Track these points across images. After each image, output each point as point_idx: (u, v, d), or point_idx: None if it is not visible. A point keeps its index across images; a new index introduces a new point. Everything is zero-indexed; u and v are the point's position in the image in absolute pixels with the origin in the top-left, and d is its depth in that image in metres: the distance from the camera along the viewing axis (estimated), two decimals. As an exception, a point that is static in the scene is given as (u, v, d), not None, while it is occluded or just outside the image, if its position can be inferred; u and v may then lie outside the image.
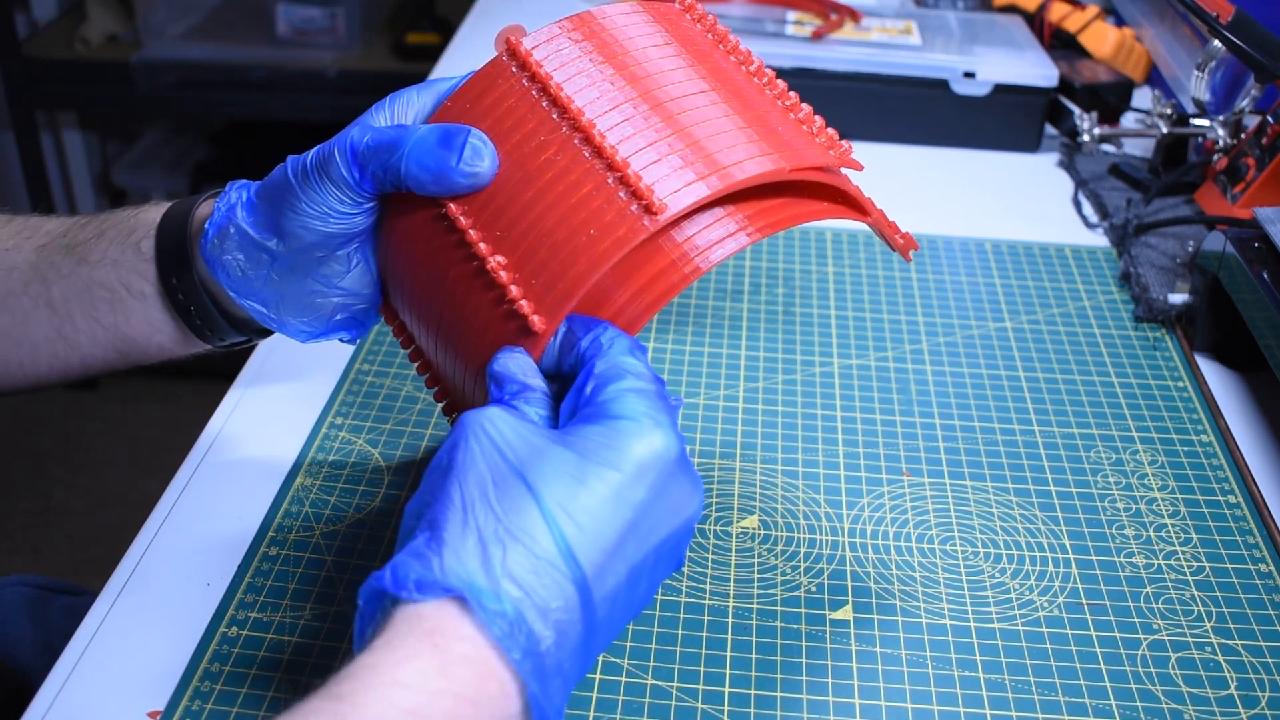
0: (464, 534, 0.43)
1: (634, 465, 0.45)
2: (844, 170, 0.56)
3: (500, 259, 0.50)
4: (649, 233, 0.48)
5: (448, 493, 0.44)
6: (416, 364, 0.59)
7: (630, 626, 0.59)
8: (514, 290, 0.50)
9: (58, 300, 0.61)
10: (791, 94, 0.56)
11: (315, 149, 0.54)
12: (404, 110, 0.56)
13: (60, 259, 0.62)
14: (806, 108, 0.56)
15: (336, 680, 0.41)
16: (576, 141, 0.51)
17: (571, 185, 0.50)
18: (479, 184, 0.51)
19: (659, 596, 0.61)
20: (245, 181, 0.58)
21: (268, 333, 0.63)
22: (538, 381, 0.49)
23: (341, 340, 0.61)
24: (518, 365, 0.49)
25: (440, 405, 0.59)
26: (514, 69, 0.54)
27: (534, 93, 0.53)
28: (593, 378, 0.48)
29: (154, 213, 0.61)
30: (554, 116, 0.52)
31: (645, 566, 0.46)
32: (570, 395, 0.48)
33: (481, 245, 0.51)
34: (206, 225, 0.57)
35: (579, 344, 0.50)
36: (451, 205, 0.52)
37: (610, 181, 0.49)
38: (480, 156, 0.51)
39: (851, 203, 0.55)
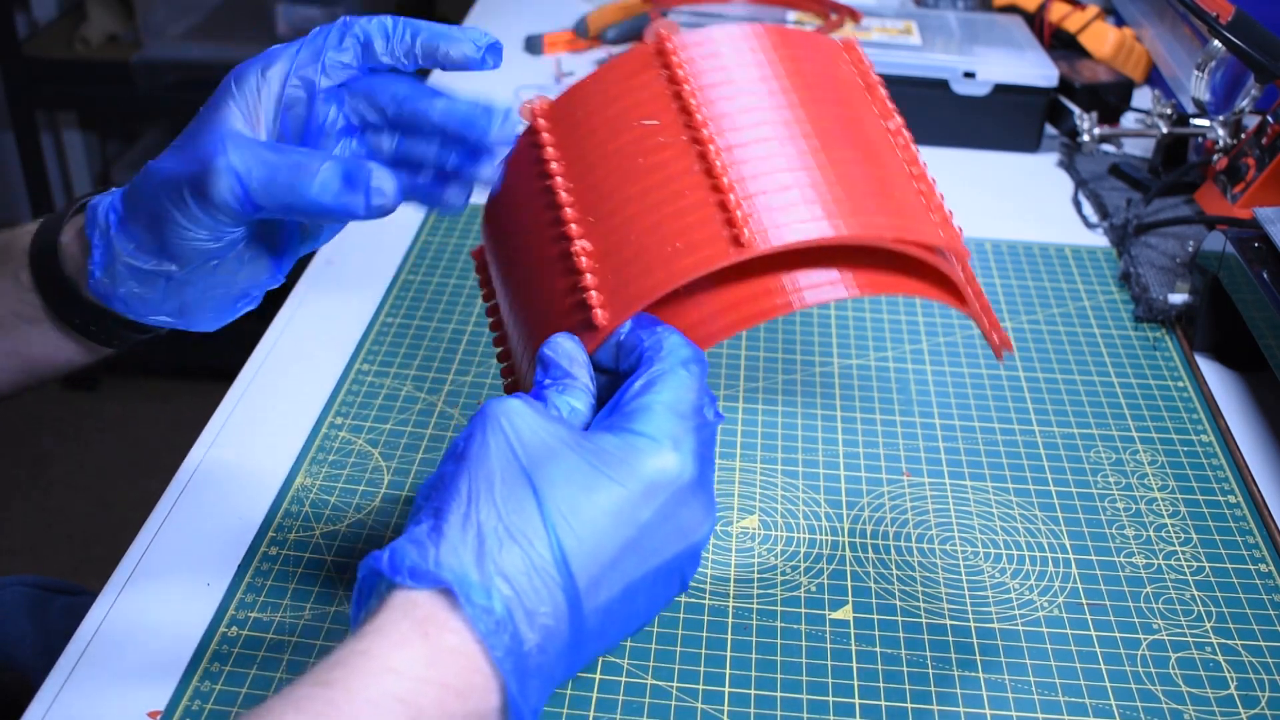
0: (464, 528, 0.43)
1: (643, 484, 0.45)
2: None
3: (587, 245, 0.50)
4: (731, 260, 0.47)
5: (455, 483, 0.44)
6: (491, 321, 0.59)
7: (630, 626, 0.60)
8: (589, 279, 0.49)
9: None
10: (922, 162, 0.55)
11: (183, 169, 0.51)
12: (269, 87, 0.53)
13: None
14: (931, 179, 0.55)
15: (327, 665, 0.42)
16: (694, 153, 0.50)
17: (674, 194, 0.49)
18: (385, 212, 0.51)
19: (659, 596, 0.61)
20: (106, 201, 0.55)
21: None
22: (581, 373, 0.49)
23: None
24: (565, 353, 0.49)
25: (501, 370, 0.58)
26: (658, 65, 0.53)
27: (669, 93, 0.52)
28: (637, 382, 0.47)
29: (24, 238, 0.59)
30: (681, 122, 0.51)
31: (644, 585, 0.46)
32: (615, 396, 0.48)
33: (573, 226, 0.51)
34: (90, 266, 0.55)
35: (640, 344, 0.49)
36: (559, 179, 0.52)
37: (713, 201, 0.49)
38: (384, 193, 0.50)
39: (953, 290, 0.53)
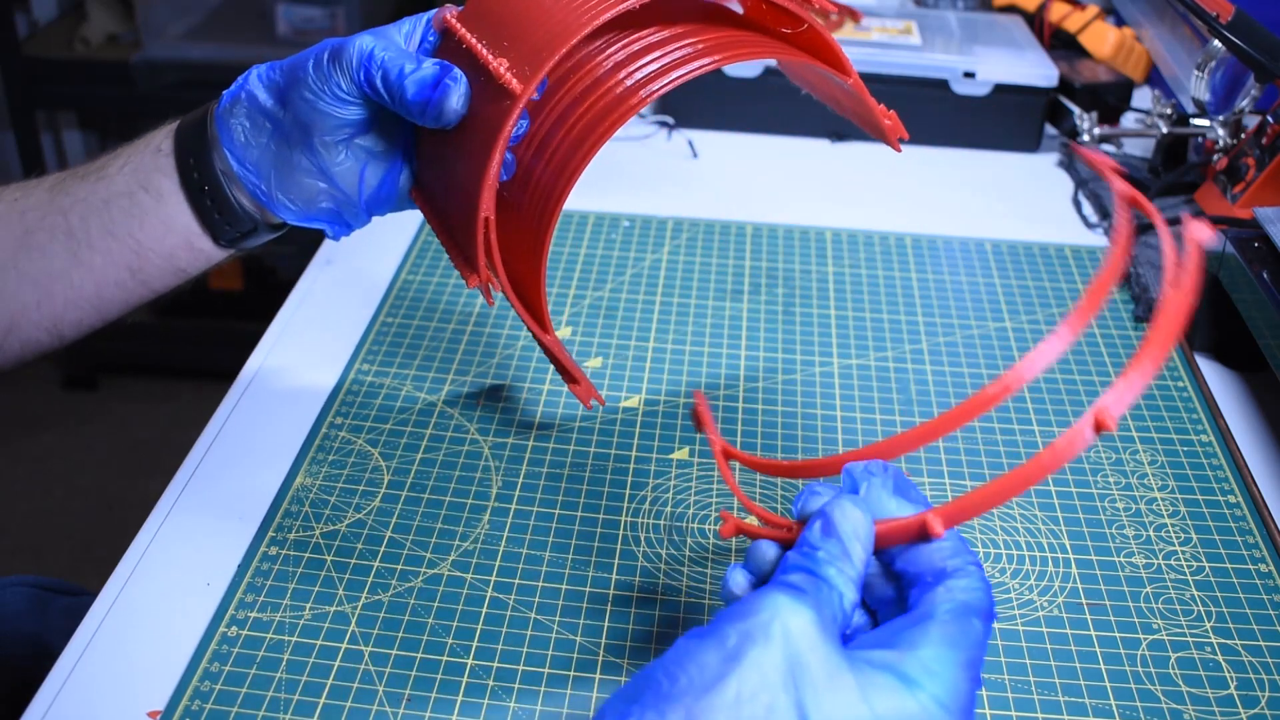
0: None
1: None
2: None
3: (495, 58, 0.58)
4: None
5: (722, 691, 0.39)
6: (440, 237, 0.65)
7: (630, 627, 0.59)
8: (495, 62, 0.57)
9: (76, 225, 0.64)
10: None
11: (338, 40, 0.61)
12: (424, 25, 0.63)
13: (76, 185, 0.65)
14: None
15: None
16: None
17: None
18: (445, 119, 0.59)
19: (658, 596, 0.61)
20: (265, 64, 0.64)
21: (276, 228, 0.66)
22: (860, 553, 0.43)
23: (327, 234, 0.66)
24: (852, 526, 0.44)
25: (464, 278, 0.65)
26: None
27: None
28: (931, 623, 0.42)
29: (171, 124, 0.66)
30: None
31: None
32: (898, 623, 0.43)
33: (480, 47, 0.59)
34: (223, 94, 0.63)
35: (929, 570, 0.44)
36: (460, 28, 0.61)
37: None
38: (448, 98, 0.58)
39: (831, 55, 0.63)
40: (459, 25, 0.61)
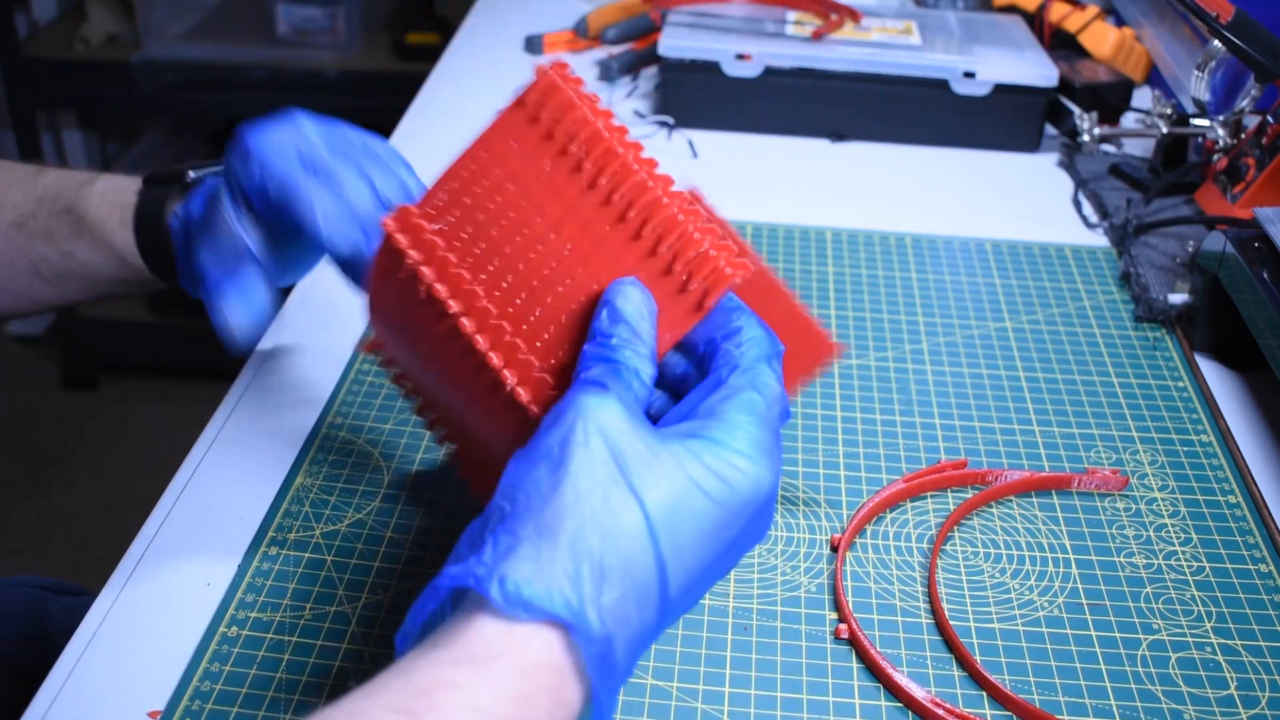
0: (576, 552, 0.40)
1: (739, 504, 0.43)
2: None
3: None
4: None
5: (560, 500, 0.41)
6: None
7: (630, 626, 0.59)
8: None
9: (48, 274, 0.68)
10: (677, 193, 0.49)
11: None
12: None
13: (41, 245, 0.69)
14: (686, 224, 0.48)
15: (410, 690, 0.39)
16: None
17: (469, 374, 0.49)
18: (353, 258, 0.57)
19: (659, 596, 0.61)
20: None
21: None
22: (649, 332, 0.46)
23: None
24: (636, 308, 0.46)
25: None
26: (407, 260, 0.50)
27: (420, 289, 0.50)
28: (724, 387, 0.45)
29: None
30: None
31: (702, 590, 0.45)
32: (696, 394, 0.46)
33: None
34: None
35: (716, 335, 0.47)
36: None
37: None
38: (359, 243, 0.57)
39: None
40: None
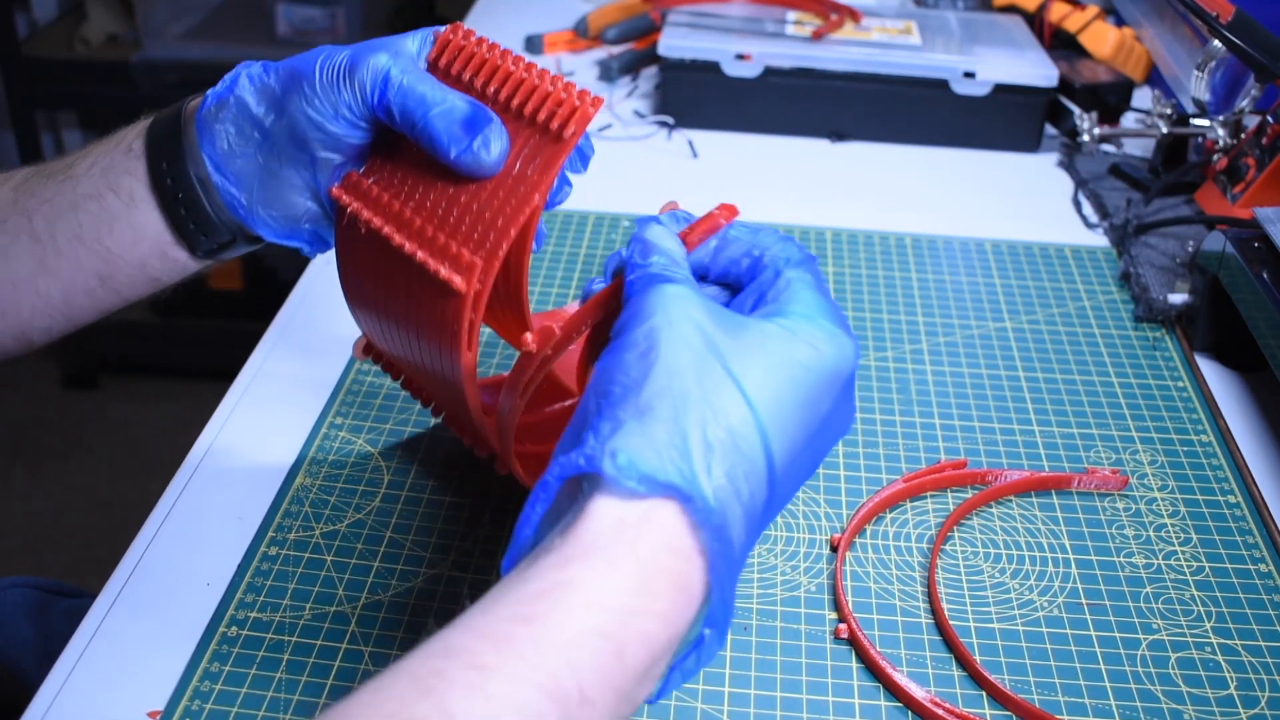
0: (681, 427, 0.40)
1: (829, 371, 0.44)
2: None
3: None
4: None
5: (656, 383, 0.41)
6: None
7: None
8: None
9: (41, 229, 0.60)
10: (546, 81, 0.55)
11: (350, 51, 0.55)
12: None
13: (41, 185, 0.61)
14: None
15: (527, 595, 0.38)
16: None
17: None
18: (481, 172, 0.53)
19: (659, 596, 0.61)
20: (256, 63, 0.59)
21: (252, 241, 0.62)
22: (682, 253, 0.49)
23: (302, 252, 0.62)
24: (665, 237, 0.49)
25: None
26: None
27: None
28: (782, 278, 0.47)
29: (143, 122, 0.61)
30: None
31: (803, 474, 0.46)
32: (752, 290, 0.48)
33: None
34: (207, 93, 0.58)
35: (752, 251, 0.49)
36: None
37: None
38: (488, 148, 0.53)
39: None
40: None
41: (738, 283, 0.50)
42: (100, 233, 0.60)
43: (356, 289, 0.60)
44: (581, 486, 0.41)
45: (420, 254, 0.54)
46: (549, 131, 0.53)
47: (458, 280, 0.52)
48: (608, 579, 0.39)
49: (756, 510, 0.42)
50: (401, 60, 0.55)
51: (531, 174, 0.52)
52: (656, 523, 0.40)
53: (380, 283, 0.57)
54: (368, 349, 0.64)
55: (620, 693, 0.38)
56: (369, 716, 0.36)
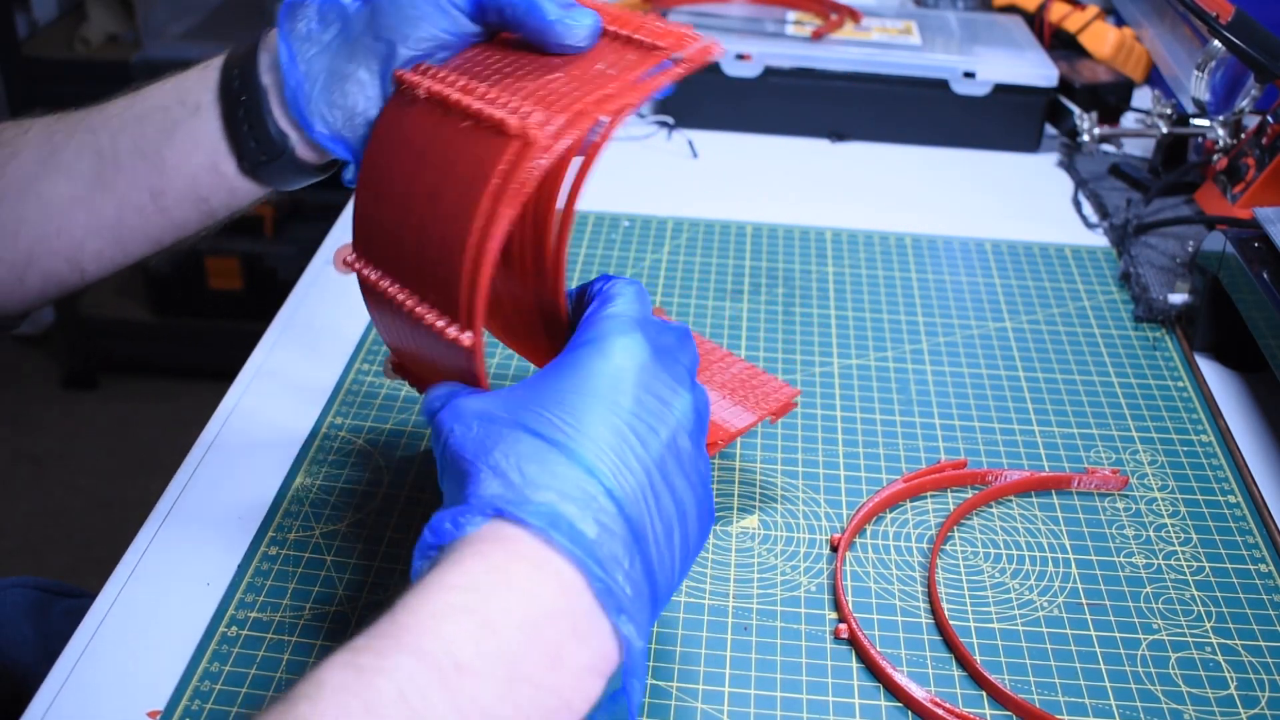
0: (491, 475, 0.45)
1: (610, 376, 0.47)
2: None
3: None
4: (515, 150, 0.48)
5: (460, 469, 0.46)
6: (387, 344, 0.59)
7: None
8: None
9: (105, 144, 0.61)
10: None
11: None
12: None
13: (114, 104, 0.62)
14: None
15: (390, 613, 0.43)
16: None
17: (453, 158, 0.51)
18: (576, 43, 0.52)
19: (659, 596, 0.61)
20: None
21: (297, 167, 0.59)
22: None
23: (345, 174, 0.59)
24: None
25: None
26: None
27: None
28: (584, 322, 0.51)
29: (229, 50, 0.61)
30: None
31: (665, 468, 0.47)
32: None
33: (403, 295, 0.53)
34: None
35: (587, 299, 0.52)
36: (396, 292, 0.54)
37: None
38: (584, 15, 0.52)
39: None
40: (364, 269, 0.56)
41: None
42: (160, 143, 0.59)
43: (378, 178, 0.55)
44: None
45: (478, 104, 0.49)
46: (656, 49, 0.52)
47: (513, 122, 0.47)
48: (456, 568, 0.43)
49: (596, 499, 0.45)
50: None
51: (630, 77, 0.50)
52: (491, 532, 0.44)
53: (415, 160, 0.52)
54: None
55: (511, 668, 0.41)
56: (265, 708, 0.40)
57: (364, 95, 0.55)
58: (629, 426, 0.46)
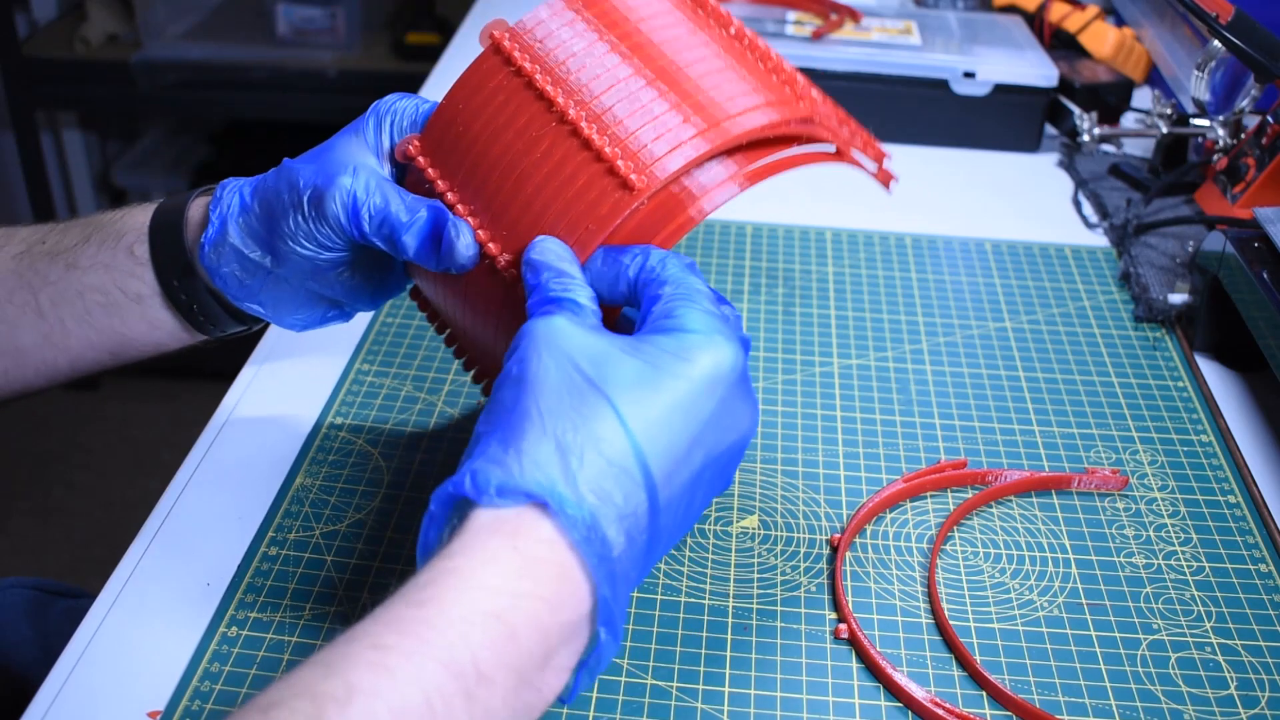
0: (542, 441, 0.44)
1: (705, 377, 0.46)
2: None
3: (507, 256, 0.53)
4: (628, 208, 0.51)
5: (522, 406, 0.45)
6: (444, 335, 0.63)
7: (630, 627, 0.59)
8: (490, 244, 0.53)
9: (46, 307, 0.62)
10: (773, 55, 0.58)
11: (309, 179, 0.55)
12: (395, 123, 0.58)
13: (45, 266, 0.62)
14: (789, 66, 0.59)
15: (417, 585, 0.42)
16: (564, 131, 0.53)
17: (562, 176, 0.52)
18: (461, 269, 0.54)
19: (658, 596, 0.61)
20: (236, 184, 0.59)
21: (262, 322, 0.64)
22: (574, 269, 0.50)
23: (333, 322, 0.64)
24: (554, 253, 0.50)
25: (470, 373, 0.63)
26: (501, 65, 0.56)
27: (522, 87, 0.55)
28: (664, 298, 0.49)
29: (141, 216, 0.62)
30: (543, 108, 0.54)
31: (703, 480, 0.47)
32: (642, 310, 0.50)
33: (489, 244, 0.54)
34: (202, 240, 0.59)
35: (625, 271, 0.51)
36: (459, 207, 0.55)
37: (595, 166, 0.52)
38: (453, 253, 0.53)
39: (825, 140, 0.60)
40: (429, 168, 0.56)
41: (637, 301, 0.52)
42: (112, 323, 0.62)
43: (468, 116, 0.56)
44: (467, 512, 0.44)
45: (600, 141, 0.52)
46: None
47: (640, 186, 0.51)
48: (490, 565, 0.42)
49: (636, 508, 0.44)
50: (361, 177, 0.55)
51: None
52: (529, 524, 0.43)
53: (515, 132, 0.54)
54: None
55: (519, 675, 0.41)
56: (281, 697, 0.39)
57: (320, 302, 0.61)
58: (696, 440, 0.46)
